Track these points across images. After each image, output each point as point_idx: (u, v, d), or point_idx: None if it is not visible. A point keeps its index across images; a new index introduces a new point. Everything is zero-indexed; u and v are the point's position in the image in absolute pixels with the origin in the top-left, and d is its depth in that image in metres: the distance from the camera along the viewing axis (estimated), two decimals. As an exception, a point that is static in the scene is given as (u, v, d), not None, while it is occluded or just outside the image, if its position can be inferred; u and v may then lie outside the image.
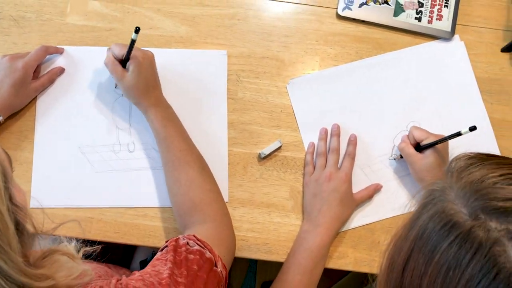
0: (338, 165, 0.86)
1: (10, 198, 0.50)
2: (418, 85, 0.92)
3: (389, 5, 0.93)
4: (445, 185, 0.50)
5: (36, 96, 0.88)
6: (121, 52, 0.81)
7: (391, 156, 0.89)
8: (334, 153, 0.86)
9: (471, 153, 0.52)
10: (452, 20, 0.93)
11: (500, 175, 0.47)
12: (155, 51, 0.85)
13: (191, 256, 0.65)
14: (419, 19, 0.93)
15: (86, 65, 0.90)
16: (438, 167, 0.81)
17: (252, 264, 1.36)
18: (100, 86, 0.89)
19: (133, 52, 0.80)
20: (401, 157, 0.87)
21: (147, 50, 0.83)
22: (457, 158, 0.52)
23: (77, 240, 0.62)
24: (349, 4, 0.93)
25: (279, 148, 0.88)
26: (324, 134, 0.88)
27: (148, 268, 0.63)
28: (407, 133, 0.89)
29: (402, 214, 0.86)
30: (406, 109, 0.91)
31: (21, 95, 0.84)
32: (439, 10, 0.94)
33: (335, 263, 0.85)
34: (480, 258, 0.43)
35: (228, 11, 0.93)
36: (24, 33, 0.91)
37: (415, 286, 0.48)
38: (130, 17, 0.92)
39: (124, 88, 0.82)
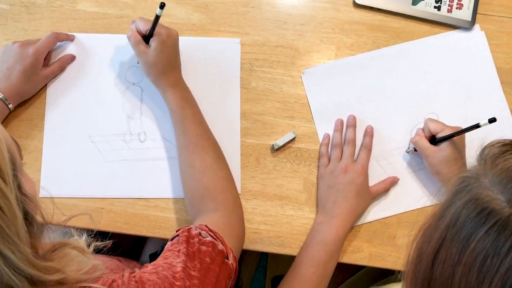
0: (354, 157, 0.84)
1: (19, 187, 0.48)
2: (436, 75, 0.89)
3: (408, -7, 0.91)
4: (478, 172, 0.48)
5: (46, 84, 0.87)
6: (145, 27, 0.78)
7: (408, 148, 0.86)
8: (350, 145, 0.84)
9: (505, 140, 0.51)
10: (473, 9, 0.90)
11: None
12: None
13: (204, 248, 0.63)
14: (438, 8, 0.90)
15: (97, 52, 0.88)
16: (455, 160, 0.79)
17: (262, 259, 1.34)
18: (112, 74, 0.88)
19: (157, 29, 0.78)
20: (415, 150, 0.85)
21: (172, 29, 0.80)
22: (491, 145, 0.50)
23: (88, 234, 0.60)
24: (366, -8, 0.91)
25: (293, 139, 0.86)
26: (339, 125, 0.86)
27: (160, 260, 0.61)
28: (425, 125, 0.87)
29: (420, 208, 0.84)
30: (424, 100, 0.88)
31: (32, 82, 0.83)
32: (459, -2, 0.91)
33: (349, 258, 0.83)
34: None
35: (242, -2, 0.91)
36: (34, 19, 0.89)
37: (447, 276, 0.46)
38: (142, 3, 0.90)
39: (144, 65, 0.80)
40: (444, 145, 0.80)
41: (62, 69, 0.87)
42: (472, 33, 0.91)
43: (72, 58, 0.88)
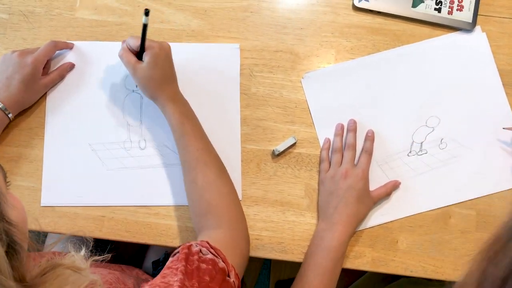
0: (355, 162, 0.84)
1: (2, 217, 0.47)
2: (437, 78, 0.88)
3: (408, -5, 0.90)
4: None
5: (46, 93, 0.87)
6: (137, 43, 0.78)
7: (410, 152, 0.86)
8: (350, 149, 0.83)
9: None
10: (474, 10, 0.90)
11: None
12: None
13: (204, 266, 0.62)
14: (439, 10, 0.90)
15: (97, 60, 0.88)
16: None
17: (266, 262, 1.34)
18: (111, 81, 0.88)
19: (149, 43, 0.77)
20: None
21: (163, 42, 0.80)
22: None
23: (87, 247, 0.59)
24: (366, -5, 0.90)
25: (294, 144, 0.86)
26: (340, 129, 0.85)
27: (158, 280, 0.60)
28: (426, 128, 0.86)
29: (422, 213, 0.83)
30: (425, 103, 0.87)
31: (31, 91, 0.83)
32: (460, 0, 0.90)
33: (352, 263, 0.82)
34: None
35: (241, 3, 0.91)
36: (33, 28, 0.89)
37: None
38: (141, 11, 0.89)
39: (140, 81, 0.79)
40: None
41: (61, 77, 0.87)
42: (473, 35, 0.90)
43: (71, 66, 0.88)
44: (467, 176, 0.85)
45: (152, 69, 0.77)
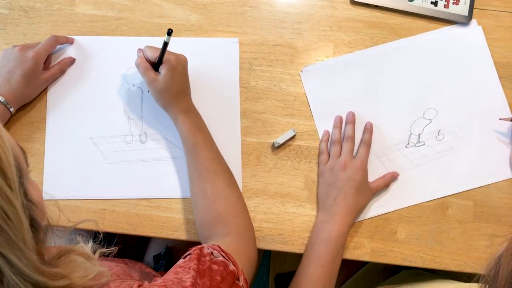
0: (354, 153, 0.85)
1: (25, 194, 0.48)
2: (434, 71, 0.90)
3: (404, -11, 0.91)
4: None
5: (46, 87, 0.87)
6: (154, 55, 0.79)
7: (408, 144, 0.87)
8: (349, 141, 0.84)
9: None
10: (470, 4, 0.91)
11: None
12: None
13: (215, 267, 0.63)
14: (435, 4, 0.91)
15: (97, 54, 0.89)
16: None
17: (266, 255, 1.35)
18: (112, 76, 0.88)
19: (166, 56, 0.78)
20: None
21: (180, 54, 0.81)
22: None
23: (94, 240, 0.60)
24: (363, -11, 0.91)
25: (293, 137, 0.87)
26: (338, 122, 0.86)
27: (170, 275, 0.61)
28: (424, 120, 0.87)
29: (420, 203, 0.84)
30: (423, 96, 0.89)
31: (32, 85, 0.83)
32: (456, -6, 0.91)
33: (351, 254, 0.83)
34: None
35: (240, -2, 0.91)
36: (34, 23, 0.90)
37: None
38: (140, 5, 0.91)
39: (155, 92, 0.80)
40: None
41: (62, 72, 0.88)
42: (469, 28, 0.91)
43: (72, 60, 0.88)
44: (465, 167, 0.86)
45: (168, 82, 0.79)
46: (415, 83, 0.89)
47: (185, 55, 0.82)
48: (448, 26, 0.91)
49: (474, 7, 0.91)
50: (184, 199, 0.84)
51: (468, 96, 0.89)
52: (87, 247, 0.58)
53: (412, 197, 0.85)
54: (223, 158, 0.81)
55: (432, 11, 0.91)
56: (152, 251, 1.03)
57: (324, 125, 0.87)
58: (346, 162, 0.82)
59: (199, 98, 0.86)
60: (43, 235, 0.50)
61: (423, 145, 0.87)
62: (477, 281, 0.54)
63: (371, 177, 0.84)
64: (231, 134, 0.87)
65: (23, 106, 0.86)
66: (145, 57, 0.80)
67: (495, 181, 0.85)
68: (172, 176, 0.85)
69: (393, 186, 0.85)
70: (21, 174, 0.48)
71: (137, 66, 0.80)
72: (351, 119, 0.86)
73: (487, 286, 0.52)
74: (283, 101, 0.88)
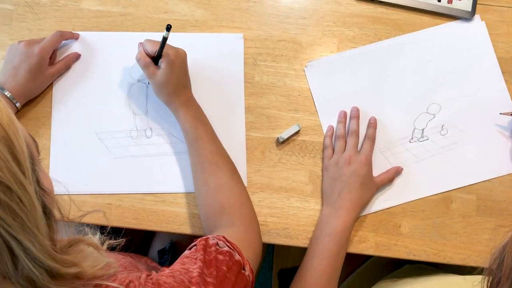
0: (358, 148, 0.85)
1: (38, 181, 0.49)
2: (438, 66, 0.90)
3: (408, -15, 0.91)
4: None
5: (52, 83, 0.88)
6: (153, 49, 0.79)
7: (412, 138, 0.87)
8: (353, 136, 0.85)
9: None
10: (473, -1, 0.91)
11: None
12: (170, 35, 0.84)
13: (221, 257, 0.64)
14: (439, -1, 0.91)
15: (102, 50, 0.89)
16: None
17: (268, 253, 1.35)
18: (117, 71, 0.89)
19: (165, 50, 0.79)
20: None
21: (179, 48, 0.82)
22: None
23: (101, 232, 0.61)
24: (367, -16, 0.91)
25: (298, 132, 0.87)
26: (343, 117, 0.87)
27: (177, 265, 0.62)
28: (427, 115, 0.88)
29: (424, 198, 0.85)
30: (427, 91, 0.89)
31: (38, 80, 0.84)
32: (459, -11, 0.91)
33: (355, 248, 0.84)
34: None
35: (244, -7, 0.92)
36: (39, 19, 0.90)
37: None
38: (145, 1, 0.91)
39: (155, 86, 0.81)
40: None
41: (67, 67, 0.88)
42: (472, 24, 0.91)
43: (77, 56, 0.89)
44: (468, 162, 0.86)
45: (167, 76, 0.79)
46: (419, 78, 0.90)
47: (184, 49, 0.83)
48: (452, 22, 0.92)
49: (477, 2, 0.91)
50: (189, 193, 0.85)
51: (472, 91, 0.89)
52: (95, 238, 0.59)
53: (416, 192, 0.86)
54: (225, 150, 0.82)
55: (435, 6, 0.91)
56: (156, 246, 1.03)
57: (328, 120, 0.88)
58: (350, 156, 0.83)
59: (203, 94, 0.86)
60: (54, 222, 0.51)
61: (427, 139, 0.87)
62: (480, 274, 0.55)
63: (375, 172, 0.85)
64: (235, 130, 0.87)
65: (29, 102, 0.86)
66: (145, 51, 0.81)
67: (499, 176, 0.86)
68: (177, 171, 0.85)
69: (397, 181, 0.86)
70: (33, 161, 0.49)
71: (138, 60, 0.81)
72: (355, 114, 0.86)
73: (491, 278, 0.52)
74: (287, 96, 0.89)
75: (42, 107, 0.87)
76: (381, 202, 0.85)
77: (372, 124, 0.86)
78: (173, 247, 0.98)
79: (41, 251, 0.46)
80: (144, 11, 0.91)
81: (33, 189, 0.47)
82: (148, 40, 0.81)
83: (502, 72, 0.90)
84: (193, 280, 0.59)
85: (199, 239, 0.66)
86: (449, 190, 0.86)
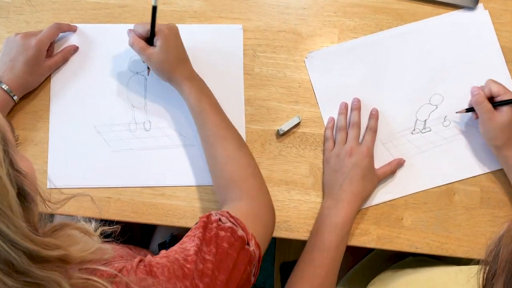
0: (360, 140, 0.84)
1: (11, 163, 0.48)
2: (440, 56, 0.89)
3: (410, -26, 0.90)
4: None
5: (50, 75, 0.87)
6: (145, 29, 0.78)
7: (414, 130, 0.86)
8: (354, 127, 0.84)
9: None
10: (476, -12, 0.90)
11: None
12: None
13: (222, 233, 0.63)
14: (441, -12, 0.90)
15: (100, 42, 0.88)
16: (509, 127, 0.78)
17: (270, 246, 1.35)
18: (115, 64, 0.88)
19: (157, 27, 0.78)
20: (468, 111, 0.84)
21: (170, 23, 0.81)
22: None
23: (96, 220, 0.60)
24: (368, -26, 0.90)
25: (298, 124, 0.86)
26: (344, 108, 0.86)
27: (176, 246, 0.62)
28: (430, 106, 0.87)
29: (426, 190, 0.84)
30: (429, 81, 0.88)
31: (35, 73, 0.83)
32: (462, -22, 0.90)
33: (357, 240, 0.83)
34: None
35: (243, -16, 0.91)
36: (36, 11, 0.89)
37: None
38: (143, -7, 0.90)
39: (155, 65, 0.80)
40: (505, 109, 0.78)
41: (65, 59, 0.87)
42: (475, 12, 0.90)
43: (75, 48, 0.88)
44: (471, 153, 0.85)
45: (165, 52, 0.78)
46: (421, 68, 0.88)
47: (183, 41, 0.82)
48: (454, 11, 0.90)
49: (481, -9, 0.90)
50: (189, 187, 0.84)
51: (475, 82, 0.87)
52: (89, 225, 0.58)
53: (418, 184, 0.84)
54: (231, 122, 0.81)
55: (438, -5, 0.89)
56: (157, 240, 1.03)
57: (329, 111, 0.87)
58: (352, 148, 0.82)
59: (203, 86, 0.85)
60: (34, 205, 0.50)
61: (429, 131, 0.86)
62: (476, 264, 0.54)
63: (377, 164, 0.84)
64: (235, 122, 0.85)
65: (27, 95, 0.85)
66: (137, 35, 0.79)
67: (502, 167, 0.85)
68: (176, 164, 0.85)
69: (399, 173, 0.85)
70: (6, 143, 0.48)
71: (131, 45, 0.80)
72: (357, 105, 0.85)
73: (487, 268, 0.52)
74: (287, 88, 0.88)
75: (40, 100, 0.87)
76: (383, 194, 0.84)
77: (374, 116, 0.85)
78: (173, 241, 0.98)
79: (16, 233, 0.45)
80: (142, 2, 0.90)
81: (5, 171, 0.46)
82: (137, 24, 0.80)
83: (506, 62, 0.88)
84: (189, 258, 0.58)
85: (202, 216, 0.65)
86: (452, 182, 0.84)
